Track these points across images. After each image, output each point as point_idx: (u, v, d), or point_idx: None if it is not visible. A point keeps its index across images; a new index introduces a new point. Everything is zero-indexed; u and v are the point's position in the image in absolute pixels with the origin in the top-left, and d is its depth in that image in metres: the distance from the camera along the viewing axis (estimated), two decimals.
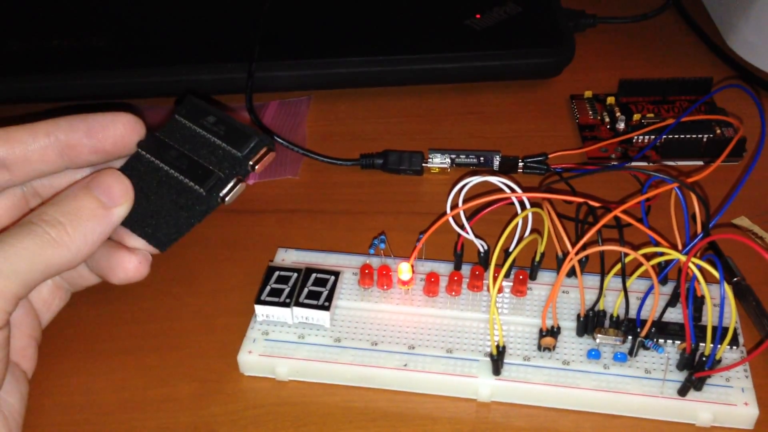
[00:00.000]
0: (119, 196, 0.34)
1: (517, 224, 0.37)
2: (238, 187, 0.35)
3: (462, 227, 0.38)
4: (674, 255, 0.34)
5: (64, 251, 0.32)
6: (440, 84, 0.54)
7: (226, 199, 0.35)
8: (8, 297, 0.30)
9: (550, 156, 0.47)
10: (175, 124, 0.36)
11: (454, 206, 0.37)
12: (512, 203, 0.37)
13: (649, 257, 0.35)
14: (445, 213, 0.37)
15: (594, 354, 0.35)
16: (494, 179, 0.37)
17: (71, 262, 0.32)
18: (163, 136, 0.36)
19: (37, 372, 0.36)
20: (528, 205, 0.37)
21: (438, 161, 0.47)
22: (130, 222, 0.35)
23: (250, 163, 0.34)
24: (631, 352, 0.35)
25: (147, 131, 0.36)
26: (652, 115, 0.50)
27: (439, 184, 0.47)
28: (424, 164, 0.47)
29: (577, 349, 0.36)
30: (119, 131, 0.34)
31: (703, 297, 0.36)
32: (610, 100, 0.51)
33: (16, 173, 0.34)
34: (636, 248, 0.35)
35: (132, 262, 0.35)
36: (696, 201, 0.36)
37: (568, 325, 0.37)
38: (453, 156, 0.47)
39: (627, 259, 0.35)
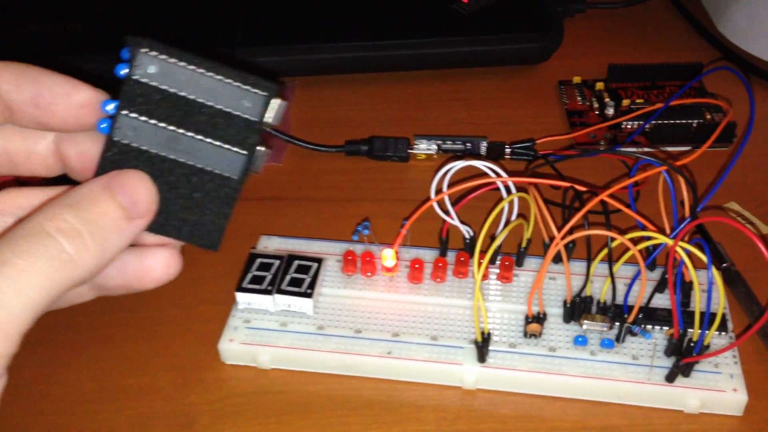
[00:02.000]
0: (145, 207, 0.27)
1: (502, 209, 0.36)
2: (264, 155, 0.28)
3: (447, 213, 0.37)
4: (661, 239, 0.33)
5: (80, 271, 0.25)
6: (427, 70, 0.53)
7: (259, 171, 0.29)
8: (15, 338, 0.24)
9: (537, 141, 0.46)
10: (137, 88, 0.26)
11: (438, 191, 0.36)
12: (498, 188, 0.37)
13: (636, 242, 0.34)
14: (429, 199, 0.37)
15: (581, 340, 0.35)
16: (479, 164, 0.36)
17: (81, 282, 0.26)
18: (131, 108, 0.27)
19: (14, 362, 0.35)
20: (514, 190, 0.36)
21: (424, 147, 0.47)
22: (158, 226, 0.28)
23: (268, 122, 0.27)
24: (618, 339, 0.35)
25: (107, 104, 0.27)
26: (641, 100, 0.49)
27: (425, 170, 0.46)
28: (409, 150, 0.47)
29: (563, 336, 0.35)
30: (72, 110, 0.27)
31: (691, 282, 0.36)
32: (599, 85, 0.51)
33: None
34: (623, 233, 0.34)
35: (160, 261, 0.29)
36: (684, 185, 0.35)
37: (555, 312, 0.36)
38: (439, 142, 0.47)
39: (614, 244, 0.35)
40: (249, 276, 0.37)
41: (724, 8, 0.54)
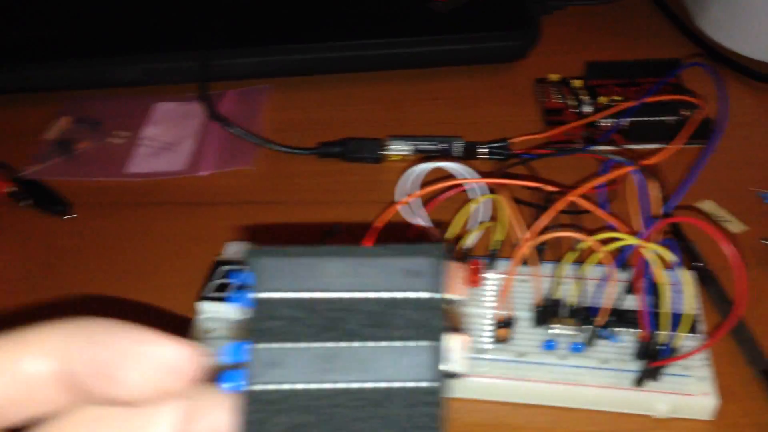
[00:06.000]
0: None
1: (472, 211, 0.36)
2: (460, 344, 0.19)
3: (416, 216, 0.37)
4: (630, 240, 0.33)
5: None
6: (403, 69, 0.53)
7: (463, 371, 0.19)
8: None
9: (511, 141, 0.46)
10: (267, 309, 0.19)
11: (405, 195, 0.36)
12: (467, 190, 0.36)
13: (605, 243, 0.33)
14: (394, 203, 0.36)
15: (550, 345, 0.34)
16: (447, 165, 0.36)
17: None
18: (265, 339, 0.19)
19: None
20: (486, 191, 0.36)
21: (397, 148, 0.46)
22: None
23: (448, 296, 0.19)
24: (588, 342, 0.34)
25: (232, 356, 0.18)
26: (619, 97, 0.49)
27: (399, 171, 0.46)
28: (382, 152, 0.46)
29: (533, 340, 0.35)
30: (141, 380, 0.17)
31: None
32: (578, 83, 0.50)
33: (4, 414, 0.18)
34: (594, 234, 0.34)
35: None
36: (652, 184, 0.34)
37: (526, 316, 0.36)
38: (412, 143, 0.46)
39: (583, 246, 0.34)
40: (212, 284, 0.36)
41: (703, 4, 0.53)
